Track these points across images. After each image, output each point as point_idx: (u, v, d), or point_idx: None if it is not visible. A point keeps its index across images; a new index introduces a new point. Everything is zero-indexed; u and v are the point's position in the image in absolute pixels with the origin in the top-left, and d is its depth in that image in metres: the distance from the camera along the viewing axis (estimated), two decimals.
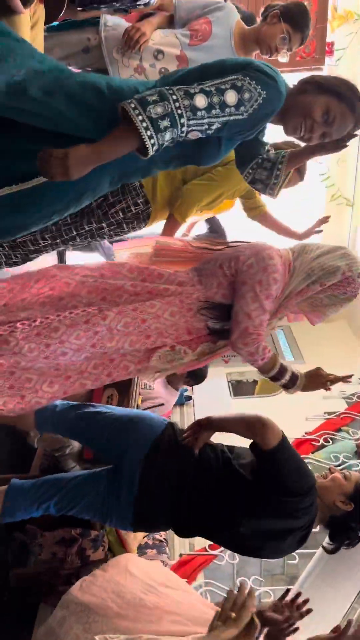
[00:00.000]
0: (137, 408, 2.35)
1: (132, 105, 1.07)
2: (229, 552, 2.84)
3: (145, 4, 1.84)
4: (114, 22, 1.82)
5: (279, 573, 3.62)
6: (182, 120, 1.11)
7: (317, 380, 1.55)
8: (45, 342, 1.33)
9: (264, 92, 1.20)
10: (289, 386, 1.52)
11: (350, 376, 1.62)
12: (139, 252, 1.67)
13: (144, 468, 1.59)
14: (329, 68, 4.13)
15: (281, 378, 1.49)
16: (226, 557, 2.82)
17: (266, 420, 1.48)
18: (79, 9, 1.82)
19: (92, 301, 1.41)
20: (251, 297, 1.40)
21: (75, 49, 1.80)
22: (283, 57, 1.80)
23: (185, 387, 3.72)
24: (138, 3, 1.82)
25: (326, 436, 3.74)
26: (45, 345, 1.33)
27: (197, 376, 3.25)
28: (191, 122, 1.13)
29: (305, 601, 1.59)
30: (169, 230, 1.97)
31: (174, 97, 1.10)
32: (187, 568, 2.71)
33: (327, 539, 1.72)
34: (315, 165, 4.44)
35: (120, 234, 1.90)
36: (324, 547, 1.70)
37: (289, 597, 1.60)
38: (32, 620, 2.12)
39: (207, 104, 1.13)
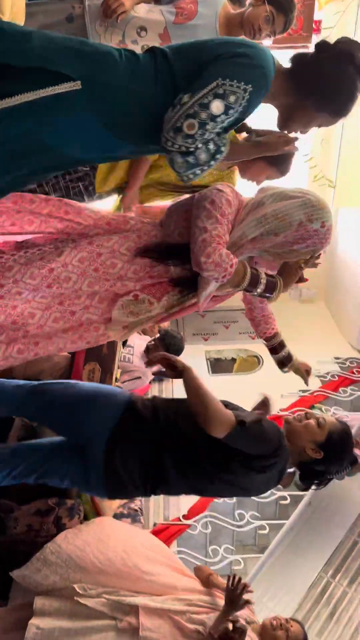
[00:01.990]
0: (116, 381, 2.37)
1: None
2: (202, 521, 2.93)
3: None
4: None
5: (250, 544, 3.75)
6: (192, 150, 1.19)
7: (291, 270, 1.50)
8: None
9: (249, 86, 1.19)
10: (269, 293, 1.45)
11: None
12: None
13: (107, 452, 1.50)
14: None
15: (257, 287, 1.43)
16: (199, 527, 2.92)
17: (210, 417, 1.40)
18: None
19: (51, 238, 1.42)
20: (205, 215, 1.38)
21: (59, 16, 1.76)
22: (266, 40, 1.80)
23: None
24: None
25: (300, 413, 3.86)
26: None
27: (175, 350, 3.31)
28: (196, 144, 1.19)
29: (245, 586, 1.65)
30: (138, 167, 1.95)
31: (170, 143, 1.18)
32: (160, 537, 2.79)
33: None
34: (298, 146, 4.45)
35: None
36: (296, 484, 1.66)
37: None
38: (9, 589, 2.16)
39: (198, 125, 1.16)
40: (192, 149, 1.19)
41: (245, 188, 1.86)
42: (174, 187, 2.04)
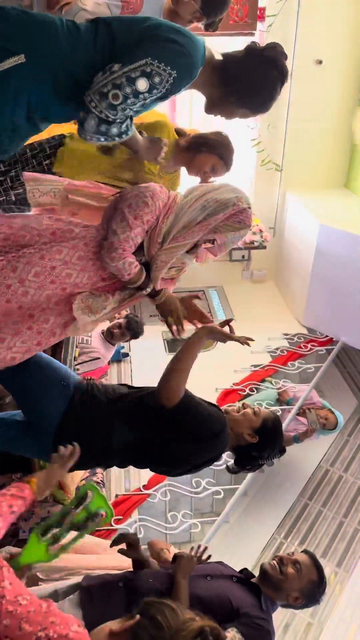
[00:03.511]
0: (74, 361, 2.46)
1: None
2: (161, 490, 3.09)
3: None
4: None
5: (208, 512, 3.94)
6: (111, 120, 1.29)
7: (172, 306, 1.71)
8: None
9: (174, 72, 1.29)
10: (153, 294, 1.64)
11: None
12: (54, 189, 1.76)
13: (58, 435, 1.60)
14: (261, 34, 4.23)
15: (145, 287, 1.60)
16: (159, 496, 3.07)
17: (167, 384, 1.58)
18: None
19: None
20: (120, 217, 1.51)
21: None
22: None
23: (122, 344, 3.89)
24: None
25: (252, 386, 4.07)
26: None
27: (134, 332, 3.43)
28: (117, 116, 1.29)
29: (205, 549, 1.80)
30: None
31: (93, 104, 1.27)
32: (122, 507, 2.94)
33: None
34: (246, 130, 4.60)
35: None
36: (227, 468, 1.88)
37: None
38: None
39: (122, 97, 1.27)
40: (110, 120, 1.29)
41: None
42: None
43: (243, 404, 1.79)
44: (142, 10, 1.80)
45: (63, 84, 1.32)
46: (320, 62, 4.39)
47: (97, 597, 1.54)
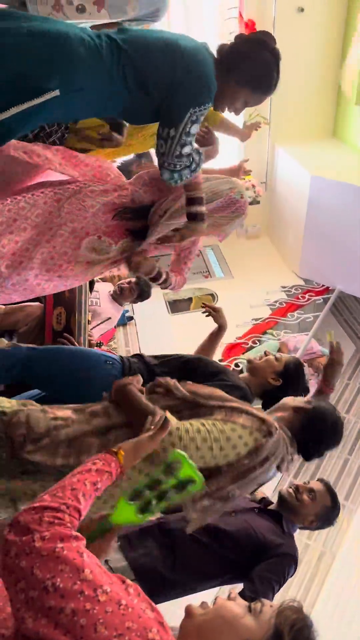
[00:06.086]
0: (87, 325, 2.58)
1: None
2: None
3: None
4: None
5: None
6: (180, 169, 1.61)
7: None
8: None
9: (209, 104, 1.54)
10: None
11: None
12: None
13: None
14: None
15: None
16: None
17: None
18: None
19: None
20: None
21: None
22: None
23: (126, 307, 4.01)
24: None
25: (254, 339, 4.22)
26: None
27: (142, 290, 3.54)
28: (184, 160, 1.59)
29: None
30: None
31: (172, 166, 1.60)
32: None
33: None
34: None
35: None
36: None
37: None
38: None
39: (187, 146, 1.56)
40: (182, 167, 1.60)
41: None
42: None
43: (265, 352, 1.91)
44: None
45: (89, 106, 1.53)
46: (302, 9, 4.34)
47: (135, 541, 1.71)
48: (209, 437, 1.29)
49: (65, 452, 1.28)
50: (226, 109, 1.68)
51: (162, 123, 1.55)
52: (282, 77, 1.61)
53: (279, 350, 4.12)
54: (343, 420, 1.59)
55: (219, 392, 1.46)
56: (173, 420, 1.29)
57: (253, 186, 5.02)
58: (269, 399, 1.88)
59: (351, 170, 4.33)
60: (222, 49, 1.59)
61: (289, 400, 1.58)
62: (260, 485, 1.46)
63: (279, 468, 1.40)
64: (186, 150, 1.56)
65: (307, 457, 1.53)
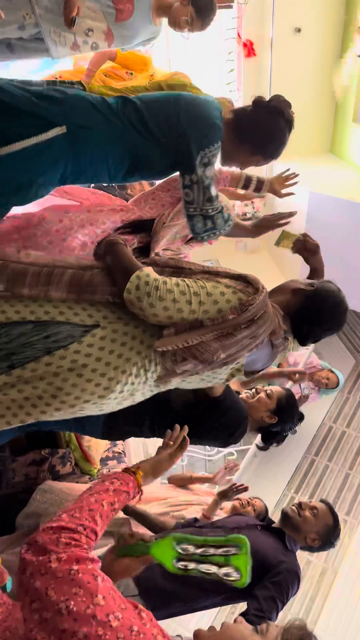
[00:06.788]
0: None
1: None
2: None
3: None
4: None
5: None
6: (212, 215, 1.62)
7: None
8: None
9: (218, 143, 1.56)
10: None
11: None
12: None
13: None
14: (239, 7, 4.25)
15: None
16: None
17: None
18: None
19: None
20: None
21: (12, 25, 1.78)
22: (184, 34, 2.03)
23: None
24: None
25: None
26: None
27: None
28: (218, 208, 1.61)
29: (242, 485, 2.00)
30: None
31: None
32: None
33: (258, 440, 2.08)
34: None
35: None
36: (257, 446, 2.07)
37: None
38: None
39: (214, 190, 1.58)
40: (215, 211, 1.59)
41: None
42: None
43: (256, 389, 1.94)
44: (133, 15, 1.88)
45: (97, 153, 1.51)
46: (299, 30, 4.42)
47: None
48: (187, 291, 1.21)
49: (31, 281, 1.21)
50: (231, 166, 1.75)
51: (182, 174, 1.57)
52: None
53: (279, 366, 4.13)
54: (347, 305, 1.48)
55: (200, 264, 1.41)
56: (151, 272, 1.23)
57: (252, 202, 5.09)
58: (267, 435, 1.98)
59: (349, 186, 4.38)
60: (241, 112, 1.63)
61: (290, 282, 1.46)
62: (254, 371, 1.33)
63: (273, 346, 1.28)
64: (213, 191, 1.56)
65: (302, 341, 1.42)
